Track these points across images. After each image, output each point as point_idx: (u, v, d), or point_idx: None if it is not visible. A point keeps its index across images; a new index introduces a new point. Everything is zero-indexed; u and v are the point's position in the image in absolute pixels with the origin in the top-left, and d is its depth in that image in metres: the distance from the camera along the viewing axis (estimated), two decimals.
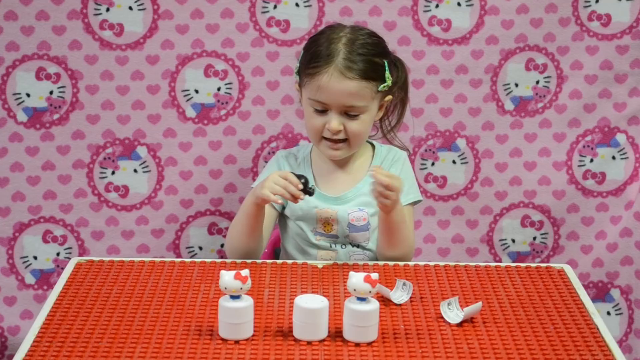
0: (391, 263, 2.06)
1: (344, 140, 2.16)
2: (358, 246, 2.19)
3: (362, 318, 1.68)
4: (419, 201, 2.25)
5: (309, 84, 2.14)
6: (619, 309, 2.83)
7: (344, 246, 2.20)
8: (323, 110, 2.14)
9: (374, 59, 2.14)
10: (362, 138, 2.19)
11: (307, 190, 2.03)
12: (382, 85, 2.15)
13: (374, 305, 1.69)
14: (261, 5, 2.61)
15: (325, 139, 2.16)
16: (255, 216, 2.10)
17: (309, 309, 1.68)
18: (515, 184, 2.76)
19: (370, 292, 1.67)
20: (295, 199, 2.02)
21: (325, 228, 2.20)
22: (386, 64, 2.16)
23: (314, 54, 2.14)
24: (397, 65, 2.24)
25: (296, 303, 1.69)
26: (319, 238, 2.20)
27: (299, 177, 2.03)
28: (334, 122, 2.13)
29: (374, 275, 1.67)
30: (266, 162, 2.67)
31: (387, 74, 2.16)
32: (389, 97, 2.21)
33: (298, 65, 2.20)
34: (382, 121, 2.29)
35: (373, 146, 2.29)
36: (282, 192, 2.01)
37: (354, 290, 1.67)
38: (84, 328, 1.73)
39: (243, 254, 2.12)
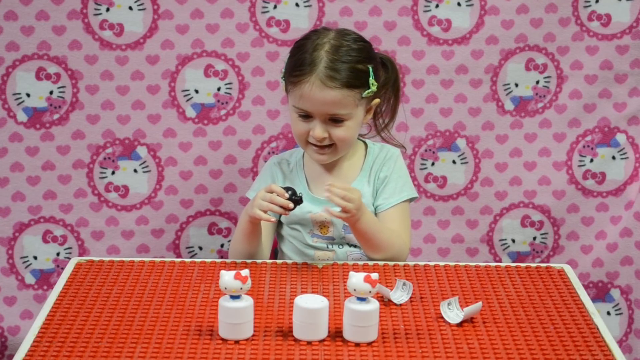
0: (391, 263, 2.06)
1: (330, 145, 2.15)
2: (355, 246, 2.18)
3: (362, 318, 1.68)
4: (415, 198, 2.24)
5: (292, 92, 2.12)
6: (619, 309, 2.83)
7: (341, 246, 2.20)
8: (307, 117, 2.13)
9: (357, 66, 2.11)
10: (348, 143, 2.17)
11: (295, 200, 2.02)
12: (367, 92, 2.13)
13: (374, 305, 1.69)
14: (261, 5, 2.61)
15: (312, 144, 2.15)
16: (252, 233, 2.11)
17: (309, 309, 1.68)
18: (515, 184, 2.76)
19: (370, 292, 1.67)
20: (285, 210, 2.01)
21: (322, 230, 2.19)
22: (370, 70, 2.13)
23: (297, 62, 2.12)
24: (387, 65, 2.22)
25: (296, 303, 1.69)
26: (316, 240, 2.20)
27: (286, 189, 2.02)
28: (318, 130, 2.11)
29: (374, 275, 1.67)
30: (266, 162, 2.68)
31: (372, 80, 2.13)
32: (377, 100, 2.19)
33: (284, 70, 2.18)
34: (376, 120, 2.28)
35: (366, 145, 2.28)
36: (270, 207, 2.01)
37: (354, 290, 1.67)
38: (84, 328, 1.73)
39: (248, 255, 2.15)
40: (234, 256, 2.16)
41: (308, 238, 2.20)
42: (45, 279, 2.69)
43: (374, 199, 2.20)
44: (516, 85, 2.71)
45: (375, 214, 2.20)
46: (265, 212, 2.02)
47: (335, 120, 2.12)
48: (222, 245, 2.73)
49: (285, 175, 2.24)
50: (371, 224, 2.08)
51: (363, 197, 2.17)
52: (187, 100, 2.65)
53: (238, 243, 2.14)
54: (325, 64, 2.09)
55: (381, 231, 2.11)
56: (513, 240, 2.79)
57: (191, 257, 2.72)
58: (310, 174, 2.23)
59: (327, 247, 2.19)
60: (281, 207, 2.01)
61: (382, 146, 2.27)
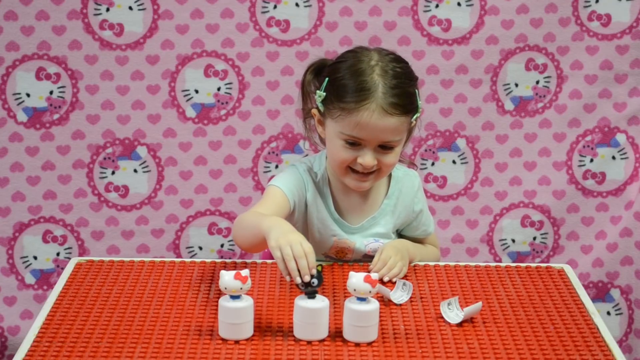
0: None
1: (373, 172, 2.02)
2: None
3: (362, 318, 1.68)
4: None
5: (344, 119, 1.96)
6: (619, 309, 2.83)
7: None
8: (355, 144, 1.98)
9: (409, 90, 1.99)
10: (391, 169, 2.07)
11: (310, 290, 1.72)
12: (416, 115, 2.02)
13: (374, 305, 1.69)
14: (261, 5, 2.61)
15: (353, 171, 2.02)
16: (263, 242, 1.88)
17: (309, 309, 1.68)
18: (515, 184, 2.76)
19: (370, 292, 1.67)
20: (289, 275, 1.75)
21: (338, 255, 2.11)
22: (417, 92, 2.03)
23: (350, 87, 1.97)
24: None
25: (296, 303, 1.69)
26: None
27: (317, 274, 1.72)
28: (369, 158, 1.98)
29: (374, 275, 1.67)
30: (266, 162, 2.68)
31: (418, 101, 2.02)
32: (414, 123, 2.06)
33: (323, 93, 2.01)
34: None
35: None
36: (281, 266, 1.75)
37: (354, 290, 1.67)
38: (84, 328, 1.73)
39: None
40: (235, 237, 1.99)
41: (320, 259, 2.10)
42: (45, 279, 2.69)
43: (395, 227, 2.14)
44: (516, 85, 2.71)
45: (406, 236, 2.17)
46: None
47: (384, 147, 1.99)
48: (222, 245, 2.73)
49: (316, 186, 2.10)
50: (418, 257, 2.08)
51: (381, 226, 2.11)
52: (187, 100, 2.65)
53: (245, 230, 1.94)
54: (383, 89, 1.95)
55: (425, 255, 2.13)
56: (513, 240, 2.79)
57: (191, 257, 2.72)
58: (337, 193, 2.11)
59: None
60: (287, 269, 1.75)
61: (405, 172, 2.16)
